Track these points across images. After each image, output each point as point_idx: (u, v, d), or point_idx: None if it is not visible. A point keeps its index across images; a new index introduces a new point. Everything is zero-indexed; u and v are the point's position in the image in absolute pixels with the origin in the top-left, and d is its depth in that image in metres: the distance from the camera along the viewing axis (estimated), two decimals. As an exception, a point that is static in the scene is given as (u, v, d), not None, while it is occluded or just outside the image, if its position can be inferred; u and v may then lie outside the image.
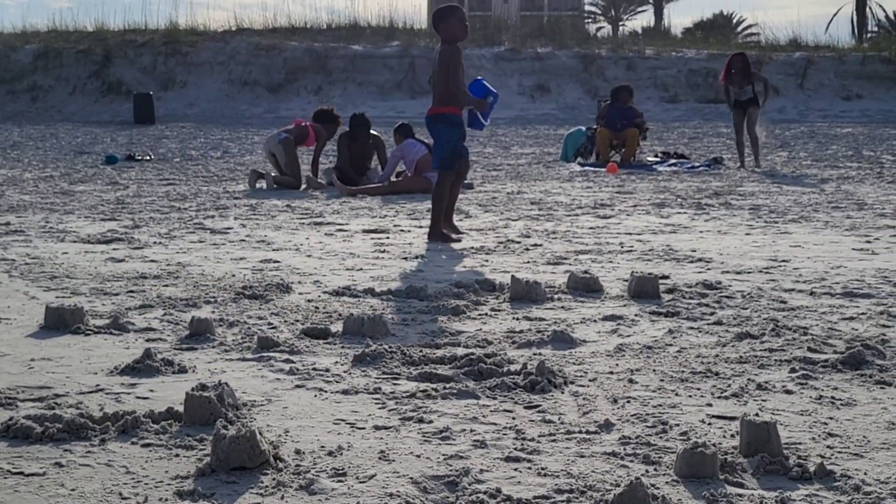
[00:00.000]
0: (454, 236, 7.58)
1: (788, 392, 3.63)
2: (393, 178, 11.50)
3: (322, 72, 32.17)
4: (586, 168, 14.82)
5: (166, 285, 5.69)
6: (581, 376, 3.83)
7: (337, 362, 4.05)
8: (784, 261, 6.58)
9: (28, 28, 36.18)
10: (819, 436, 3.16)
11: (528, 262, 6.66)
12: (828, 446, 3.06)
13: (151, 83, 31.24)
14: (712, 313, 4.95)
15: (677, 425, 3.24)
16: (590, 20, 62.62)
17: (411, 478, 2.80)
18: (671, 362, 4.03)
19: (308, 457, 2.95)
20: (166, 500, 2.66)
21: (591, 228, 8.26)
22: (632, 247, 7.22)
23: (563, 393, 3.61)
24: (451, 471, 2.84)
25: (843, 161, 15.78)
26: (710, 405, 3.48)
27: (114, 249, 7.05)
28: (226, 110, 30.36)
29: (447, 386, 3.66)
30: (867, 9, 49.25)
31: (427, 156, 11.14)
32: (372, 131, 12.33)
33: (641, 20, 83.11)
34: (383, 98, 31.00)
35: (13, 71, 32.43)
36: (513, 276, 5.50)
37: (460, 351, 4.17)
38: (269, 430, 3.19)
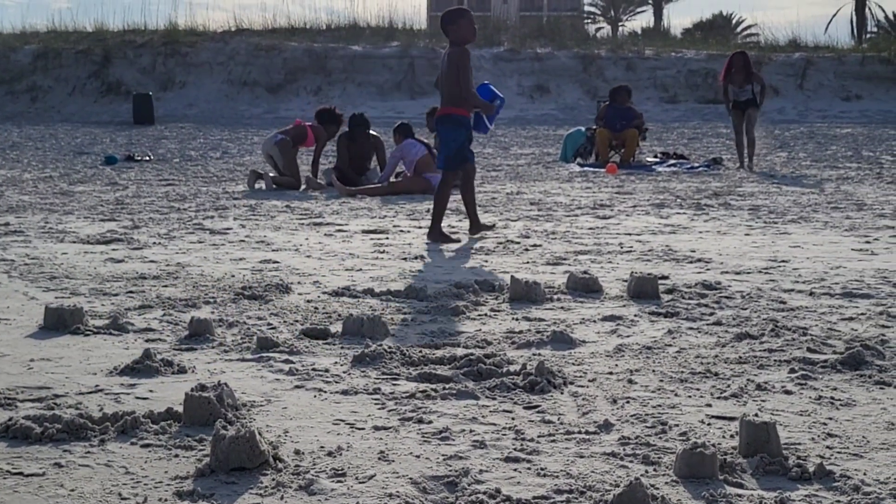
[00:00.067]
0: (484, 232, 7.83)
1: (788, 392, 3.63)
2: (392, 179, 11.50)
3: (321, 72, 32.17)
4: (586, 168, 14.83)
5: (166, 286, 5.69)
6: (580, 377, 3.83)
7: (336, 363, 4.05)
8: (783, 261, 6.58)
9: (27, 28, 36.23)
10: (818, 436, 3.16)
11: (528, 262, 6.66)
12: (827, 447, 3.06)
13: (151, 83, 31.24)
14: (712, 314, 4.95)
15: (677, 426, 3.24)
16: (589, 21, 62.60)
17: (411, 478, 2.80)
18: (671, 363, 4.04)
19: (307, 457, 2.95)
20: (166, 500, 2.66)
21: (590, 229, 8.26)
22: (631, 247, 7.22)
23: (562, 393, 3.61)
24: (450, 471, 2.84)
25: (842, 161, 15.79)
26: (709, 405, 3.48)
27: (113, 250, 7.05)
28: (225, 111, 30.37)
29: (447, 386, 3.66)
30: (866, 9, 49.27)
31: (426, 156, 11.15)
32: (371, 131, 12.33)
33: (641, 21, 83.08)
34: (383, 98, 31.00)
35: (12, 71, 32.43)
36: (512, 276, 5.50)
37: (460, 351, 4.17)
38: (268, 430, 3.19)
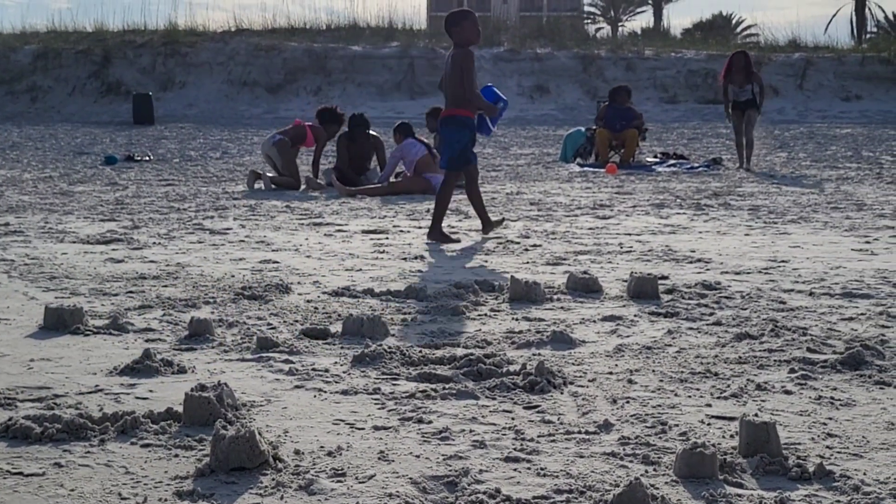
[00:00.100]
0: (497, 228, 7.92)
1: (788, 392, 3.63)
2: (392, 179, 11.50)
3: (321, 72, 32.17)
4: (585, 169, 14.83)
5: (165, 286, 5.69)
6: (580, 377, 3.83)
7: (336, 363, 4.05)
8: (783, 261, 6.58)
9: (27, 28, 36.23)
10: (818, 436, 3.16)
11: (528, 262, 6.66)
12: (827, 447, 3.06)
13: (151, 84, 31.24)
14: (711, 314, 4.95)
15: (677, 425, 3.25)
16: (589, 21, 62.61)
17: (411, 478, 2.80)
18: (670, 363, 4.04)
19: (307, 457, 2.95)
20: (165, 500, 2.66)
21: (590, 229, 8.26)
22: (631, 247, 7.22)
23: (562, 393, 3.62)
24: (450, 471, 2.84)
25: (842, 162, 15.79)
26: (709, 405, 3.48)
27: (113, 250, 7.05)
28: (225, 111, 30.37)
29: (446, 386, 3.66)
30: (866, 9, 49.28)
31: (426, 156, 11.15)
32: (371, 131, 12.32)
33: (640, 21, 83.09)
34: (382, 98, 31.00)
35: (12, 71, 32.43)
36: (512, 276, 5.50)
37: (459, 351, 4.17)
38: (268, 430, 3.19)
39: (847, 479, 2.78)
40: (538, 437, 3.14)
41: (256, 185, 11.85)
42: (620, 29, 60.90)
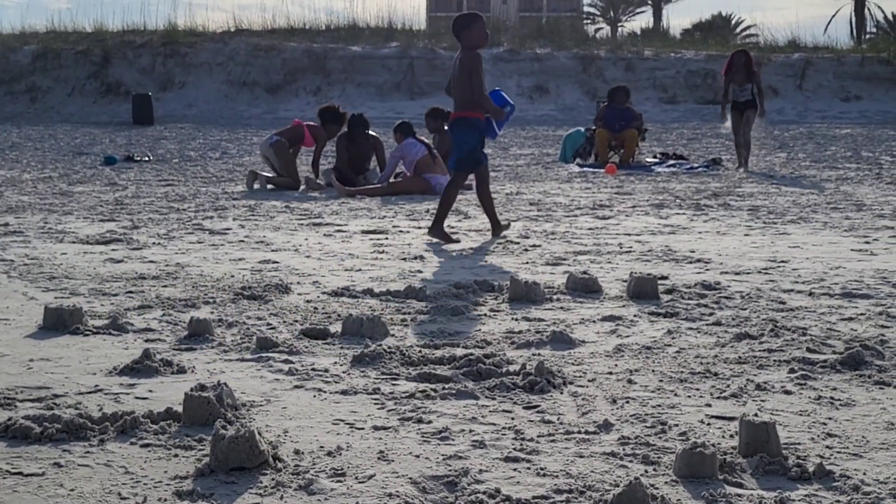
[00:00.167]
0: (507, 229, 7.89)
1: (787, 392, 3.63)
2: (392, 179, 11.49)
3: (321, 73, 32.17)
4: (585, 169, 14.83)
5: (165, 286, 5.69)
6: (580, 377, 3.83)
7: (336, 363, 4.05)
8: (783, 261, 6.58)
9: (27, 29, 36.22)
10: (818, 436, 3.16)
11: (527, 262, 6.66)
12: (827, 446, 3.07)
13: (150, 84, 31.24)
14: (711, 314, 4.95)
15: (676, 425, 3.25)
16: (588, 21, 62.65)
17: (410, 478, 2.80)
18: (670, 363, 4.04)
19: (307, 457, 2.95)
20: (165, 500, 2.66)
21: (589, 229, 8.26)
22: (630, 247, 7.22)
23: (562, 393, 3.62)
24: (450, 471, 2.84)
25: (841, 162, 15.79)
26: (709, 405, 3.48)
27: (112, 250, 7.05)
28: (224, 111, 30.37)
29: (446, 386, 3.66)
30: (866, 10, 49.31)
31: (426, 156, 11.14)
32: (370, 132, 12.32)
33: (640, 21, 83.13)
34: (382, 99, 31.00)
35: (12, 72, 32.42)
36: (512, 276, 5.50)
37: (459, 351, 4.17)
38: (268, 430, 3.19)
39: (847, 479, 2.78)
40: (538, 437, 3.14)
41: (256, 186, 11.85)
42: (620, 29, 60.94)
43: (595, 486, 2.73)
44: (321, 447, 3.04)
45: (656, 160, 15.77)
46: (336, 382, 3.76)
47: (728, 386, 3.69)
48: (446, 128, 12.32)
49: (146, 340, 4.40)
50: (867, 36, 46.36)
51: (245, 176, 12.49)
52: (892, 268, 6.29)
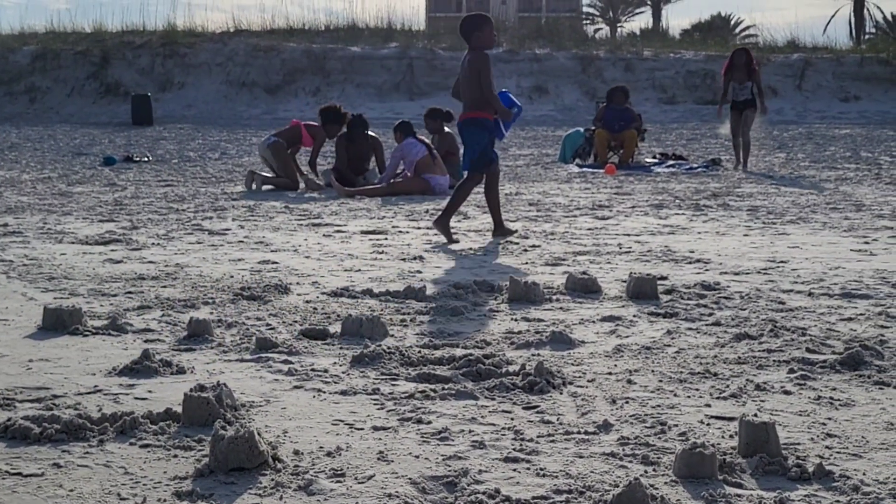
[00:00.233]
0: (508, 236, 7.81)
1: (787, 392, 3.63)
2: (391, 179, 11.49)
3: (320, 73, 32.17)
4: (584, 169, 14.83)
5: (164, 286, 5.68)
6: (579, 377, 3.83)
7: (335, 363, 4.05)
8: (782, 262, 6.58)
9: (26, 29, 36.21)
10: (818, 436, 3.16)
11: (527, 263, 6.66)
12: (826, 447, 3.07)
13: (149, 84, 31.23)
14: (711, 314, 4.95)
15: (676, 426, 3.24)
16: (588, 21, 62.68)
17: (410, 478, 2.80)
18: (670, 363, 4.04)
19: (307, 457, 2.95)
20: (165, 500, 2.65)
21: (589, 229, 8.26)
22: (630, 248, 7.22)
23: (561, 394, 3.61)
24: (449, 471, 2.84)
25: (840, 162, 15.80)
26: (708, 406, 3.48)
27: (112, 251, 7.05)
28: (224, 111, 30.36)
29: (446, 387, 3.66)
30: (865, 10, 49.33)
31: (427, 157, 11.14)
32: (369, 132, 12.31)
33: (639, 21, 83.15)
34: (381, 99, 31.00)
35: (11, 72, 32.41)
36: (511, 277, 5.50)
37: (459, 352, 4.17)
38: (267, 430, 3.19)
39: (846, 480, 2.78)
40: (537, 437, 3.14)
41: (253, 186, 11.85)
42: (619, 29, 60.96)
43: (595, 487, 2.72)
44: (321, 448, 3.04)
45: (655, 160, 15.77)
46: (335, 383, 3.76)
47: (727, 386, 3.69)
48: (446, 129, 12.37)
49: (145, 341, 4.40)
50: (866, 36, 46.39)
51: (244, 176, 12.49)
52: (891, 268, 6.29)
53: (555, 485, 2.74)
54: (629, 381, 3.77)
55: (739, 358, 4.10)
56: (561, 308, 5.14)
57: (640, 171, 14.40)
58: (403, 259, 6.77)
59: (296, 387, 3.71)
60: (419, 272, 6.27)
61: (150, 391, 3.65)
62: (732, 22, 58.51)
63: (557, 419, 3.32)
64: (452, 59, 31.56)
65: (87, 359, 4.10)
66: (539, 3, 63.37)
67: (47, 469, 2.87)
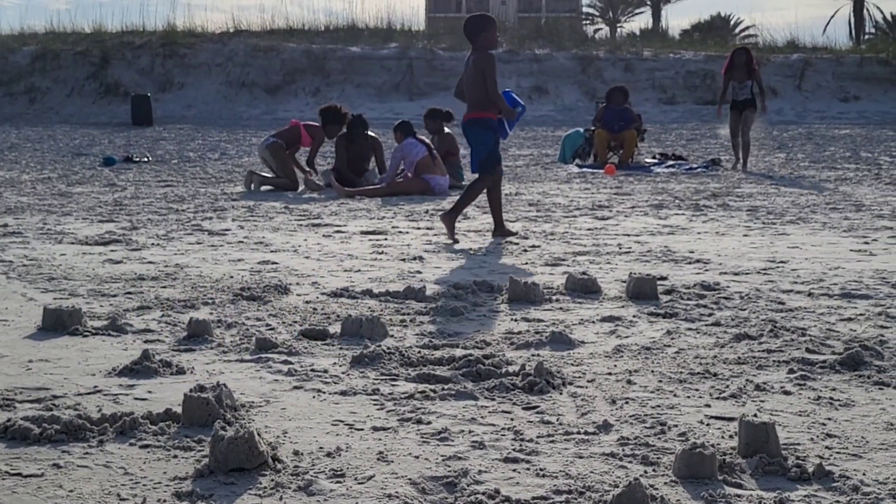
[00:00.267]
0: (508, 237, 7.80)
1: (787, 393, 3.63)
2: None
3: (320, 73, 32.16)
4: (584, 169, 14.82)
5: (164, 287, 5.68)
6: (579, 377, 3.83)
7: (335, 363, 4.05)
8: (782, 262, 6.58)
9: (26, 30, 36.19)
10: (817, 436, 3.16)
11: (527, 263, 6.66)
12: (826, 447, 3.07)
13: (149, 85, 31.23)
14: (710, 314, 4.95)
15: (676, 426, 3.25)
16: (587, 22, 62.67)
17: (410, 479, 2.80)
18: (669, 363, 4.04)
19: (306, 458, 2.95)
20: (164, 501, 2.65)
21: (589, 230, 8.26)
22: (630, 248, 7.22)
23: (561, 394, 3.61)
24: (449, 472, 2.84)
25: (840, 162, 15.80)
26: (708, 406, 3.48)
27: (112, 251, 7.05)
28: (223, 112, 30.36)
29: (445, 387, 3.66)
30: (865, 10, 49.34)
31: (427, 157, 11.13)
32: (369, 132, 12.31)
33: (639, 22, 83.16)
34: (381, 99, 31.00)
35: (11, 73, 32.41)
36: (511, 277, 5.50)
37: (458, 352, 4.17)
38: (267, 431, 3.19)
39: (846, 480, 2.78)
40: (537, 437, 3.14)
41: (253, 186, 11.84)
42: (619, 30, 60.96)
43: (594, 487, 2.73)
44: (320, 448, 3.04)
45: (655, 161, 15.77)
46: (335, 383, 3.76)
47: (727, 386, 3.69)
48: (446, 129, 12.37)
49: (145, 341, 4.40)
50: (866, 36, 46.40)
51: (244, 177, 12.49)
52: (891, 268, 6.29)
53: (555, 485, 2.74)
54: (629, 382, 3.77)
55: (739, 358, 4.10)
56: (561, 308, 5.14)
57: (640, 172, 14.40)
58: (403, 259, 6.77)
59: (295, 387, 3.71)
60: (419, 272, 6.27)
61: (149, 392, 3.65)
62: (732, 22, 58.52)
63: (557, 419, 3.32)
64: (452, 59, 31.57)
65: (87, 359, 4.10)
66: (539, 4, 63.37)
67: (47, 469, 2.87)
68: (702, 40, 38.99)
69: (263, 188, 11.79)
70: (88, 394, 3.62)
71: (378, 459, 2.95)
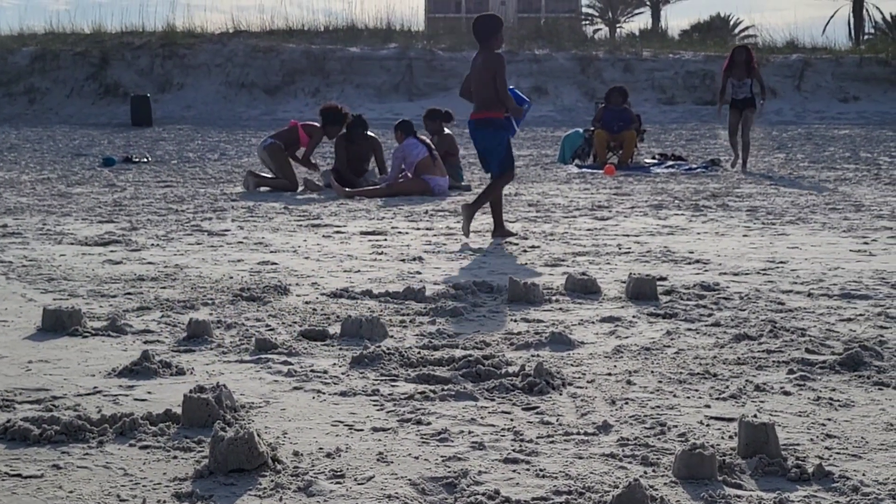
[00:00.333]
0: (508, 238, 7.86)
1: (786, 393, 3.63)
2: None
3: (319, 74, 32.16)
4: (584, 170, 14.82)
5: (164, 287, 5.68)
6: (579, 378, 3.83)
7: (335, 364, 4.05)
8: (782, 262, 6.58)
9: (25, 30, 36.18)
10: (817, 437, 3.16)
11: (526, 263, 6.66)
12: (826, 447, 3.07)
13: (149, 85, 31.22)
14: (710, 315, 4.95)
15: (675, 426, 3.25)
16: (587, 22, 62.71)
17: (409, 479, 2.80)
18: (669, 364, 4.04)
19: (306, 458, 2.95)
20: (164, 501, 2.65)
21: (588, 230, 8.26)
22: (629, 248, 7.22)
23: (561, 394, 3.62)
24: (449, 472, 2.84)
25: (840, 163, 15.80)
26: (708, 406, 3.48)
27: (111, 251, 7.05)
28: (223, 112, 30.35)
29: (445, 388, 3.66)
30: (864, 11, 49.36)
31: (427, 158, 11.13)
32: (369, 133, 12.30)
33: (638, 22, 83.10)
34: (381, 100, 31.00)
35: (10, 73, 32.40)
36: (511, 277, 5.50)
37: (458, 353, 4.17)
38: (267, 431, 3.19)
39: (846, 480, 2.78)
40: (537, 438, 3.14)
41: (251, 187, 11.83)
42: (618, 30, 60.97)
43: (594, 488, 2.73)
44: (320, 449, 3.04)
45: (655, 161, 15.76)
46: (335, 384, 3.76)
47: (727, 387, 3.69)
48: (446, 130, 12.37)
49: (145, 342, 4.40)
50: (865, 37, 46.41)
51: (243, 177, 12.48)
52: (890, 268, 6.29)
53: (554, 486, 2.74)
54: (629, 382, 3.77)
55: (739, 359, 4.10)
56: (560, 309, 5.14)
57: (640, 172, 14.40)
58: (403, 260, 6.77)
59: (295, 388, 3.71)
60: (419, 273, 6.27)
61: (149, 392, 3.65)
62: (732, 22, 58.53)
63: (557, 420, 3.32)
64: (452, 59, 31.56)
65: (87, 360, 4.10)
66: (538, 4, 63.41)
67: (47, 470, 2.87)
68: (701, 41, 38.98)
69: (263, 189, 11.78)
70: (88, 394, 3.62)
71: (378, 460, 2.95)
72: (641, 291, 5.34)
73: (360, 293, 5.48)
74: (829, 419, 3.34)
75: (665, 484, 2.77)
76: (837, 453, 3.01)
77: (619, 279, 5.91)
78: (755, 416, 3.28)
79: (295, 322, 4.79)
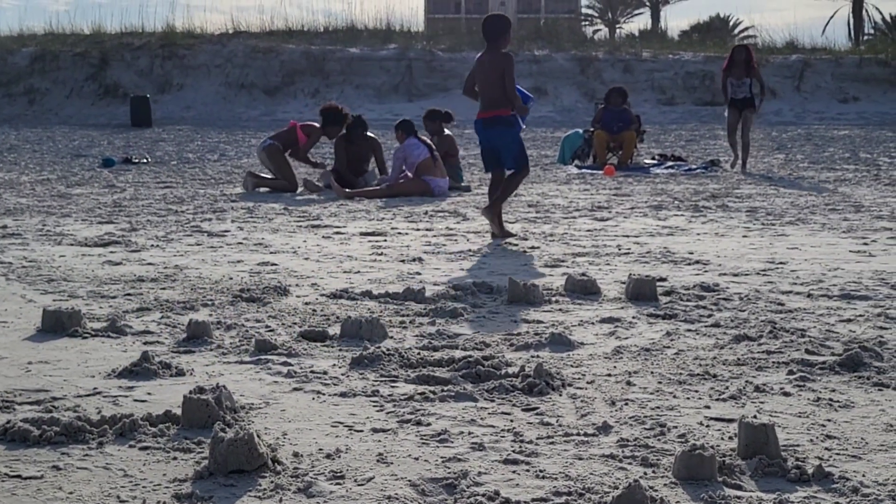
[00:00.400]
0: (508, 239, 7.87)
1: (786, 394, 3.63)
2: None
3: (319, 74, 32.16)
4: (583, 170, 14.83)
5: (164, 288, 5.68)
6: (579, 378, 3.83)
7: (335, 365, 4.05)
8: (781, 263, 6.58)
9: (25, 31, 36.18)
10: (817, 438, 3.16)
11: (526, 264, 6.66)
12: (826, 448, 3.07)
13: (148, 86, 31.21)
14: (710, 315, 4.95)
15: (675, 427, 3.25)
16: (586, 23, 62.74)
17: (409, 480, 2.80)
18: (669, 364, 4.04)
19: (306, 459, 2.95)
20: (164, 503, 2.65)
21: (588, 231, 8.26)
22: (629, 249, 7.22)
23: (560, 395, 3.62)
24: (449, 473, 2.84)
25: (839, 163, 15.80)
26: (708, 407, 3.48)
27: (111, 252, 7.05)
28: (223, 113, 30.35)
29: (445, 388, 3.66)
30: (864, 11, 49.37)
31: (428, 159, 11.13)
32: (369, 133, 12.30)
33: (638, 23, 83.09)
34: (380, 100, 31.00)
35: (10, 74, 32.40)
36: (510, 278, 5.50)
37: (458, 353, 4.17)
38: (267, 432, 3.19)
39: (846, 481, 2.78)
40: (537, 439, 3.14)
41: (249, 188, 11.83)
42: (618, 31, 60.99)
43: (594, 489, 2.73)
44: (320, 450, 3.04)
45: (654, 162, 15.76)
46: (335, 385, 3.76)
47: (727, 388, 3.69)
48: (446, 130, 12.37)
49: (145, 343, 4.40)
50: (865, 37, 46.42)
51: (243, 178, 12.48)
52: (890, 269, 6.30)
53: (554, 486, 2.74)
54: (628, 383, 3.77)
55: (739, 359, 4.10)
56: (560, 309, 5.14)
57: (639, 173, 14.40)
58: (402, 261, 6.77)
59: (295, 389, 3.71)
60: (418, 274, 6.27)
61: (149, 393, 3.65)
62: (731, 23, 58.56)
63: (557, 421, 3.32)
64: (451, 60, 31.57)
65: (87, 361, 4.10)
66: (538, 5, 63.45)
67: (46, 471, 2.87)
68: (701, 41, 39.00)
69: (262, 189, 11.78)
70: (88, 395, 3.62)
71: (378, 461, 2.95)
72: (641, 292, 5.34)
73: (360, 294, 5.48)
74: (829, 420, 3.34)
75: (665, 485, 2.77)
76: (837, 454, 3.01)
77: (619, 280, 5.91)
78: (755, 416, 3.28)
79: (295, 323, 4.79)
